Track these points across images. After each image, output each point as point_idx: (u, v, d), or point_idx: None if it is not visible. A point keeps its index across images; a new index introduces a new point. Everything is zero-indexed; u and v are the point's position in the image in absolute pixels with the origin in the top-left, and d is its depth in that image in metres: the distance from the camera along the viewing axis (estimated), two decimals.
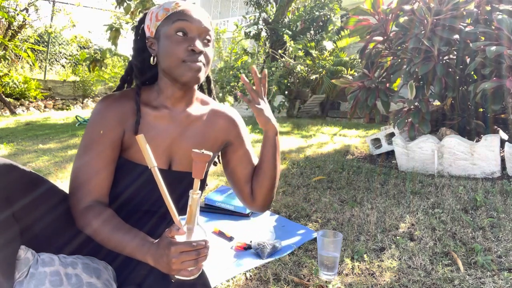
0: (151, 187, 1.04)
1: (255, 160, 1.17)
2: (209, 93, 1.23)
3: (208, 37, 1.01)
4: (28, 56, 7.22)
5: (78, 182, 0.98)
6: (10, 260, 0.82)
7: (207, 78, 1.21)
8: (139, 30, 1.09)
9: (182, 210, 0.96)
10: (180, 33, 0.98)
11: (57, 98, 8.80)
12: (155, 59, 1.04)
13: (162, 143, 1.04)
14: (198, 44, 0.97)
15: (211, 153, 0.88)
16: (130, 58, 1.12)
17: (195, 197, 0.87)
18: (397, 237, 1.69)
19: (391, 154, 3.31)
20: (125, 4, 4.81)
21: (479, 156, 2.56)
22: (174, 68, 0.98)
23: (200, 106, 1.11)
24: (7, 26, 7.88)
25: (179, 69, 0.98)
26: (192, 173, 0.87)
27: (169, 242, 0.82)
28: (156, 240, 0.88)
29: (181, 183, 1.04)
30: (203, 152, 0.86)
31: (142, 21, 1.09)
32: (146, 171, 1.04)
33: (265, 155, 1.09)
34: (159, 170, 0.87)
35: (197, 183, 0.88)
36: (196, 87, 1.10)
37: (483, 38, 2.56)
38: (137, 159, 1.04)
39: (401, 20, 2.85)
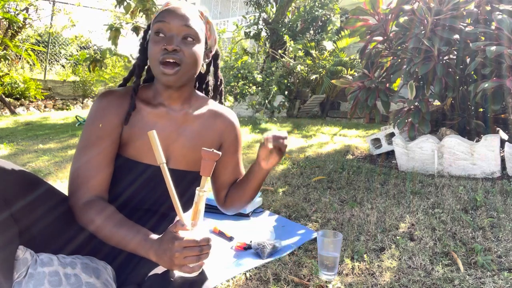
0: (152, 186, 1.05)
1: (242, 170, 1.19)
2: (215, 94, 1.22)
3: (190, 35, 0.99)
4: (29, 55, 7.23)
5: (80, 179, 0.98)
6: (9, 260, 0.82)
7: (216, 81, 1.20)
8: (146, 34, 1.10)
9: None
10: (158, 34, 0.98)
11: (57, 98, 8.79)
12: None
13: (160, 141, 1.03)
14: (173, 42, 0.96)
15: (220, 153, 0.88)
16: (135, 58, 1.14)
17: (202, 195, 0.88)
18: (397, 237, 1.69)
19: (391, 154, 3.31)
20: (125, 4, 4.80)
21: (479, 156, 2.56)
22: (153, 69, 0.99)
23: (199, 105, 1.11)
24: (7, 26, 7.88)
25: (156, 71, 0.98)
26: (195, 169, 0.88)
27: (173, 237, 0.83)
28: (159, 236, 0.88)
29: (178, 182, 1.04)
30: (213, 151, 0.87)
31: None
32: (147, 170, 1.04)
33: (253, 182, 1.08)
34: (157, 169, 0.87)
35: (204, 181, 0.89)
36: (193, 86, 1.11)
37: (483, 38, 2.56)
38: (138, 157, 1.04)
39: (401, 20, 2.85)
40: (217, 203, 1.20)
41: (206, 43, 1.07)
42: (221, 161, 1.14)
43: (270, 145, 0.96)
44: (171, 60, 0.96)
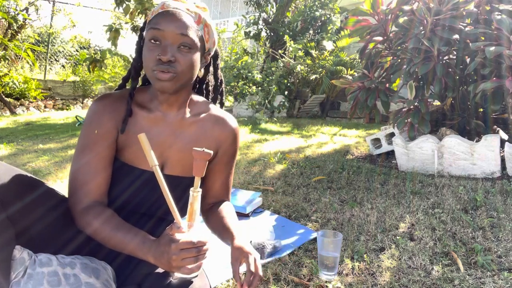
0: (148, 190, 1.04)
1: (230, 185, 1.17)
2: (215, 95, 1.20)
3: (186, 43, 0.95)
4: (28, 56, 7.22)
5: (78, 183, 0.98)
6: (7, 261, 0.82)
7: (216, 82, 1.18)
8: (142, 32, 1.08)
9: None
10: (153, 41, 0.94)
11: (57, 98, 8.79)
12: None
13: (155, 146, 1.02)
14: (167, 54, 0.92)
15: (211, 152, 0.88)
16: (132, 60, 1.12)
17: (196, 195, 0.88)
18: (397, 237, 1.69)
19: (391, 154, 3.30)
20: (124, 5, 4.80)
21: (479, 156, 2.55)
22: (148, 76, 0.97)
23: (197, 110, 1.09)
24: (7, 26, 7.88)
25: (150, 77, 0.96)
26: (191, 173, 0.88)
27: (170, 239, 0.83)
28: (157, 238, 0.88)
29: (174, 188, 1.03)
30: (204, 150, 0.87)
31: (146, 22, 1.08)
32: (143, 174, 1.03)
33: (223, 235, 1.05)
34: (153, 174, 0.87)
35: (197, 181, 0.88)
36: (191, 90, 1.09)
37: (483, 38, 2.56)
38: (134, 162, 1.03)
39: (401, 20, 2.85)
40: (201, 216, 1.18)
41: (203, 47, 1.03)
42: (211, 169, 1.12)
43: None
44: (165, 71, 0.93)
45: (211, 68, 1.16)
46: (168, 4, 0.97)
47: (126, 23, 5.30)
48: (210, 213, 1.13)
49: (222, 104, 1.20)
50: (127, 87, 1.13)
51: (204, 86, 1.19)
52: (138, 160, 1.03)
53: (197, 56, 0.99)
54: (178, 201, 0.99)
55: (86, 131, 1.01)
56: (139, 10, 4.69)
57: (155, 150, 1.01)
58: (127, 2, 4.77)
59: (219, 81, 1.18)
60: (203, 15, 1.01)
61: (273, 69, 6.64)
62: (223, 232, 1.04)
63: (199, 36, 0.98)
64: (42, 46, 9.57)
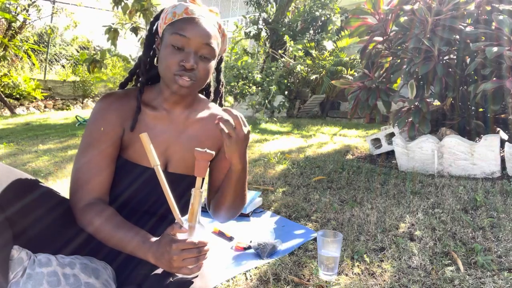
0: (150, 188, 1.04)
1: None
2: (215, 97, 1.21)
3: (207, 52, 0.98)
4: (29, 57, 7.23)
5: (80, 180, 0.98)
6: (6, 261, 0.82)
7: (218, 84, 1.20)
8: (153, 26, 1.08)
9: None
10: (176, 46, 0.96)
11: (57, 98, 8.80)
12: (156, 60, 1.04)
13: (159, 144, 1.03)
14: (191, 61, 0.95)
15: (213, 152, 0.88)
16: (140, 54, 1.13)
17: (197, 195, 0.88)
18: (397, 237, 1.69)
19: (391, 154, 3.30)
20: (122, 4, 4.79)
21: (479, 156, 2.55)
22: (165, 77, 0.99)
23: (201, 109, 1.11)
24: (7, 26, 7.88)
25: (169, 79, 0.97)
26: (194, 172, 0.88)
27: (171, 240, 0.83)
28: (157, 238, 0.88)
29: (177, 186, 1.03)
30: (206, 151, 0.87)
31: (157, 17, 1.07)
32: (146, 172, 1.04)
33: (229, 184, 1.03)
34: (155, 171, 0.87)
35: (199, 182, 0.89)
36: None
37: (483, 38, 2.56)
38: (137, 160, 1.04)
39: (401, 20, 2.85)
40: (209, 210, 1.18)
41: (218, 55, 1.06)
42: (217, 166, 1.13)
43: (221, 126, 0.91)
44: (186, 78, 0.96)
45: (214, 72, 1.18)
46: (192, 10, 0.98)
47: (126, 23, 5.30)
48: (212, 199, 1.15)
49: (221, 106, 1.21)
50: (130, 86, 1.13)
51: (205, 87, 1.20)
52: (141, 158, 1.03)
53: (213, 64, 1.02)
54: (180, 199, 0.99)
55: (91, 128, 1.01)
56: (136, 9, 4.68)
57: (158, 148, 1.01)
58: (125, 1, 4.77)
59: (220, 83, 1.19)
60: (221, 23, 1.04)
61: (273, 69, 6.64)
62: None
63: (218, 45, 1.02)
64: (42, 46, 9.57)
